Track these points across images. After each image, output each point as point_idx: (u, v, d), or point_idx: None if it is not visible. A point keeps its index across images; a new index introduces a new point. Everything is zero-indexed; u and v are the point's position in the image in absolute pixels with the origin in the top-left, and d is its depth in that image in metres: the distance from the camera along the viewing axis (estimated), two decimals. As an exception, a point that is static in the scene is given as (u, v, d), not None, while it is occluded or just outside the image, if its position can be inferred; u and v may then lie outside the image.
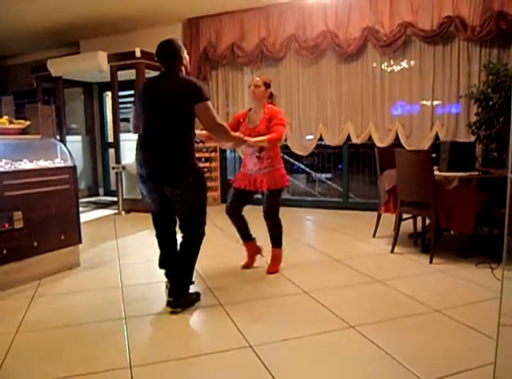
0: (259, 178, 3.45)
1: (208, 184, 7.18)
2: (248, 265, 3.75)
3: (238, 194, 3.58)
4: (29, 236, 3.39)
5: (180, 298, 2.86)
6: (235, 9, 6.51)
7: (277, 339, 2.42)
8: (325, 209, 6.60)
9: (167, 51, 2.84)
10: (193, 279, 3.02)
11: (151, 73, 6.86)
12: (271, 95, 3.57)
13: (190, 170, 2.79)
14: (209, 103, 2.77)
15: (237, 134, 3.11)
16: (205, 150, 7.06)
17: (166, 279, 3.07)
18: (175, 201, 2.84)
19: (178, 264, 2.92)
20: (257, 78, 3.56)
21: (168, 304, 2.85)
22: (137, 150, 2.90)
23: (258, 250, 3.76)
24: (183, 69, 2.90)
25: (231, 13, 6.63)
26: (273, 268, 3.61)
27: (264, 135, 3.31)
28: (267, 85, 3.51)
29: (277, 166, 3.48)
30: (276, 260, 3.65)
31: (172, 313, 2.81)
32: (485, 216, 3.78)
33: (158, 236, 3.07)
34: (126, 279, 3.52)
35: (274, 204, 3.53)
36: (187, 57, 2.96)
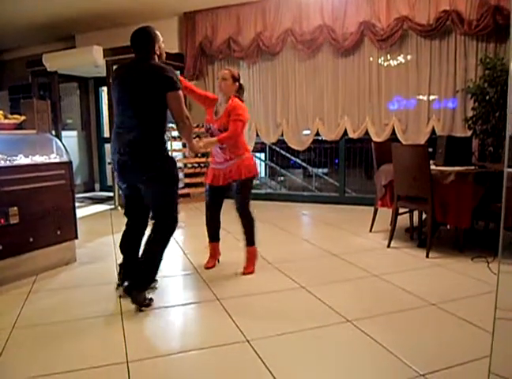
0: (227, 170, 3.40)
1: (201, 180, 7.18)
2: (212, 266, 3.64)
3: (212, 191, 3.52)
4: (25, 232, 3.38)
5: (133, 291, 2.81)
6: (232, 3, 6.49)
7: (274, 334, 2.42)
8: (321, 204, 6.61)
9: (140, 39, 2.83)
10: (157, 279, 3.02)
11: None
12: (239, 89, 3.48)
13: (158, 155, 2.76)
14: (181, 93, 2.78)
15: (195, 140, 3.10)
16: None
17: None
18: (142, 189, 2.81)
19: (142, 253, 2.88)
20: (226, 71, 3.48)
21: (120, 287, 2.95)
22: (111, 136, 2.89)
23: (219, 253, 3.73)
24: (156, 57, 2.86)
25: (227, 7, 6.60)
26: (249, 268, 3.49)
27: (225, 128, 3.29)
28: (235, 78, 3.44)
29: (243, 156, 3.39)
30: (251, 259, 3.52)
31: (120, 297, 2.92)
32: (481, 211, 3.79)
33: (126, 224, 3.06)
34: (123, 275, 3.51)
35: (244, 196, 3.41)
36: (163, 45, 2.91)
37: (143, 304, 2.80)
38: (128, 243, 3.03)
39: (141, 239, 3.00)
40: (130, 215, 3.03)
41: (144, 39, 2.82)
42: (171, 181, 2.86)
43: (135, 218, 3.02)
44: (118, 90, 2.81)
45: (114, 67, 6.52)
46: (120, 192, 3.04)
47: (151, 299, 2.87)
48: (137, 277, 2.83)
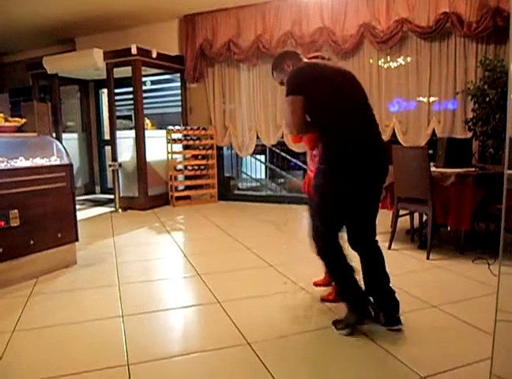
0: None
1: (206, 181, 7.20)
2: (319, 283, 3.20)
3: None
4: (26, 234, 3.38)
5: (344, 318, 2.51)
6: (232, 5, 6.50)
7: (275, 337, 2.42)
8: (322, 206, 6.58)
9: None
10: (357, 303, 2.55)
11: (147, 71, 6.86)
12: None
13: None
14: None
15: None
16: (201, 148, 7.05)
17: None
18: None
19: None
20: None
21: None
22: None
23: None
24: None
25: (227, 10, 6.61)
26: (330, 294, 2.96)
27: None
28: None
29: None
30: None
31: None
32: (482, 212, 3.79)
33: None
34: (123, 277, 3.52)
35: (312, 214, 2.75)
36: None
37: (347, 324, 2.47)
38: None
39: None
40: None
41: None
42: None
43: None
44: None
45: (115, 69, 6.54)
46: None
47: (359, 316, 2.49)
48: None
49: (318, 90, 2.38)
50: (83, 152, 8.38)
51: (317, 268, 3.69)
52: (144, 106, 6.71)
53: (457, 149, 4.15)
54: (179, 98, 7.58)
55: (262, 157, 9.22)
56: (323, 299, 2.93)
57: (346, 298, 2.56)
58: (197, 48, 6.89)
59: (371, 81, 5.97)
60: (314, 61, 2.61)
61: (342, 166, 2.37)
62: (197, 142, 6.98)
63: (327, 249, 2.54)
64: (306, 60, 2.65)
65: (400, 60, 5.83)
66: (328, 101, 2.40)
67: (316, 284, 3.19)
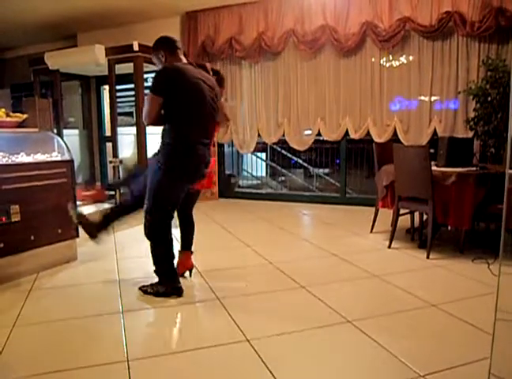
0: None
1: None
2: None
3: None
4: (26, 230, 3.38)
5: (152, 284, 3.03)
6: (234, 2, 6.49)
7: (274, 334, 2.43)
8: (322, 204, 6.61)
9: None
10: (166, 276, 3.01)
11: (149, 67, 6.84)
12: None
13: None
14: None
15: None
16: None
17: None
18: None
19: None
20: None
21: None
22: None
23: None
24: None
25: (229, 7, 6.60)
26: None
27: None
28: None
29: None
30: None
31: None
32: (482, 212, 3.79)
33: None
34: (124, 273, 3.52)
35: None
36: None
37: (156, 293, 3.00)
38: None
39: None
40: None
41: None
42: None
43: None
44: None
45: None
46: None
47: (170, 288, 2.99)
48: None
49: (175, 93, 2.75)
50: (84, 148, 8.37)
51: (317, 268, 3.70)
52: (146, 102, 6.69)
53: (459, 149, 4.15)
54: (181, 95, 7.55)
55: (263, 155, 9.22)
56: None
57: (160, 270, 3.01)
58: (199, 45, 6.88)
59: (373, 80, 5.97)
60: (178, 64, 2.87)
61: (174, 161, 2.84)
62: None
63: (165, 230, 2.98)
64: (182, 57, 2.97)
65: (403, 59, 5.82)
66: (180, 104, 2.78)
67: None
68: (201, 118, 2.87)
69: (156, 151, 2.98)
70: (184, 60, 2.98)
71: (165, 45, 2.94)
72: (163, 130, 2.92)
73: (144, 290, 3.04)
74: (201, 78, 2.86)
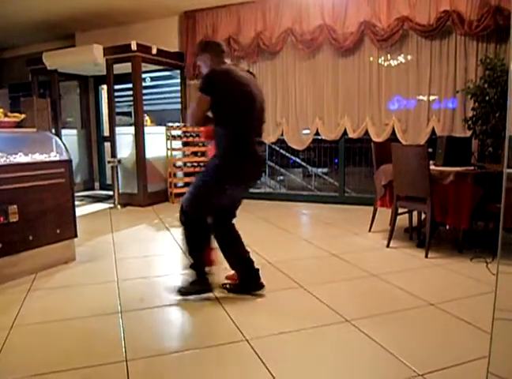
0: None
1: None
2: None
3: None
4: (24, 230, 3.38)
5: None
6: (232, 2, 6.49)
7: (273, 333, 2.43)
8: (321, 204, 6.61)
9: None
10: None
11: (147, 67, 6.84)
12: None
13: None
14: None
15: None
16: (201, 144, 7.04)
17: None
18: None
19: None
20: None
21: None
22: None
23: None
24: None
25: (227, 7, 6.60)
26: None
27: None
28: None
29: None
30: None
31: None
32: (480, 211, 3.79)
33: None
34: (122, 274, 3.52)
35: None
36: None
37: (190, 291, 2.98)
38: None
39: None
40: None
41: None
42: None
43: None
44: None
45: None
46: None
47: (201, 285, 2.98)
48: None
49: (226, 95, 2.77)
50: (82, 148, 8.37)
51: (316, 267, 3.70)
52: (144, 102, 6.69)
53: (457, 148, 4.15)
54: (179, 94, 7.57)
55: (262, 154, 9.19)
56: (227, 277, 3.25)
57: (198, 270, 2.98)
58: (197, 44, 6.87)
59: (371, 79, 5.97)
60: (228, 67, 2.92)
61: (229, 163, 2.83)
62: (197, 139, 6.97)
63: (196, 223, 2.94)
64: (227, 60, 3.04)
65: (401, 58, 5.82)
66: (232, 106, 2.80)
67: (228, 278, 3.27)
68: (253, 118, 2.90)
69: (214, 156, 2.95)
70: (229, 62, 3.07)
71: (213, 48, 2.98)
72: (218, 136, 2.89)
73: (181, 291, 2.99)
74: (249, 79, 2.92)
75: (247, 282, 3.03)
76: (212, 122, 2.89)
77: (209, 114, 2.84)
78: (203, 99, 2.75)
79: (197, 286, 2.96)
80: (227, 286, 3.11)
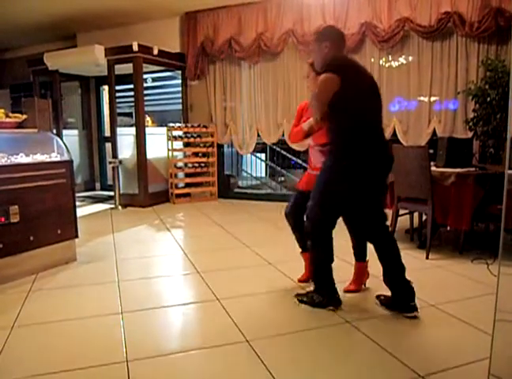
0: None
1: (206, 179, 7.20)
2: (304, 279, 3.27)
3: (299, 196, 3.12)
4: (25, 230, 3.38)
5: (308, 292, 2.85)
6: (233, 3, 6.49)
7: (274, 334, 2.42)
8: (322, 205, 6.58)
9: None
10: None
11: (149, 68, 6.85)
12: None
13: None
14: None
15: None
16: (202, 145, 7.05)
17: None
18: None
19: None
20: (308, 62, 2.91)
21: None
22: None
23: None
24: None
25: (228, 8, 6.61)
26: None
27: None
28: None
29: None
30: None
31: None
32: (481, 212, 3.79)
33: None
34: (123, 274, 3.52)
35: None
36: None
37: (312, 302, 2.78)
38: None
39: None
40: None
41: None
42: None
43: None
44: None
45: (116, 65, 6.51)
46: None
47: (324, 298, 2.75)
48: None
49: (355, 85, 2.47)
50: (83, 149, 8.38)
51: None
52: (145, 103, 6.71)
53: (458, 149, 4.15)
54: (180, 95, 7.58)
55: (263, 155, 9.21)
56: (299, 280, 3.22)
57: (318, 278, 2.76)
58: (198, 45, 6.88)
59: (372, 80, 5.96)
60: (351, 58, 2.71)
61: (359, 164, 2.55)
62: (198, 140, 6.98)
63: (322, 230, 2.70)
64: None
65: (402, 59, 5.82)
66: (360, 100, 2.53)
67: (300, 281, 3.26)
68: (379, 113, 2.75)
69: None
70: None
71: (334, 36, 2.63)
72: (338, 133, 2.64)
73: (300, 299, 2.85)
74: (370, 74, 2.73)
75: None
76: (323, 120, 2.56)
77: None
78: (331, 79, 2.39)
79: (320, 297, 2.73)
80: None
